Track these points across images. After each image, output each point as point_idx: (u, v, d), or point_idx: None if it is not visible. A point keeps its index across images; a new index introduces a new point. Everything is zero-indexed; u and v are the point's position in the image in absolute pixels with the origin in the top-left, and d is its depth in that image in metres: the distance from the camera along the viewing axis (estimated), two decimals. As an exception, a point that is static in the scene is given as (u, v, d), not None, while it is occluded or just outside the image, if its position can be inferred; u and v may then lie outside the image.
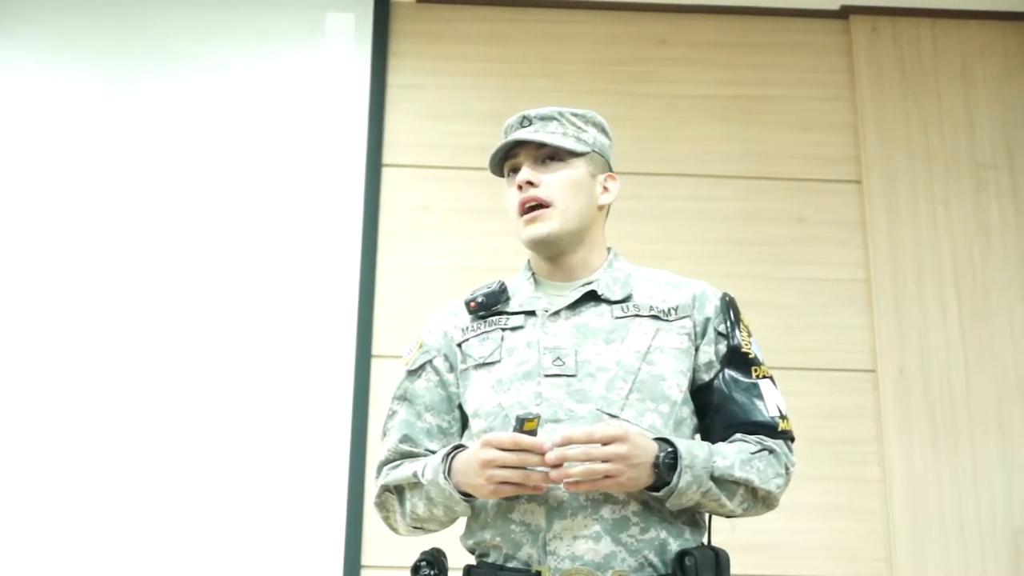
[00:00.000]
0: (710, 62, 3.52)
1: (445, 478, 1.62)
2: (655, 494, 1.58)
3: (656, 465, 1.56)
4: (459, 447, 1.66)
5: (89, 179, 3.30)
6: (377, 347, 3.18)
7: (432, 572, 1.67)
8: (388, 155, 3.38)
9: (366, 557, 3.02)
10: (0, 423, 3.08)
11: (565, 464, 1.51)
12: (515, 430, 1.52)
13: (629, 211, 3.27)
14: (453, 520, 1.71)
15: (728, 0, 3.53)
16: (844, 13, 3.55)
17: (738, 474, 1.62)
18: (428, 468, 1.66)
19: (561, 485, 1.56)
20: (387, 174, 3.37)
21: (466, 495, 1.62)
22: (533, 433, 1.52)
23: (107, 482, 3.04)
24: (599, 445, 1.51)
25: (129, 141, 3.34)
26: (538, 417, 1.53)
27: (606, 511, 1.59)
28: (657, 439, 1.59)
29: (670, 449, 1.57)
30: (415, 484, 1.69)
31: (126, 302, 3.19)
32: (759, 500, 1.67)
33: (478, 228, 3.27)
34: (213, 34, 3.46)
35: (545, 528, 1.60)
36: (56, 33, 3.44)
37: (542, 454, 1.51)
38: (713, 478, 1.59)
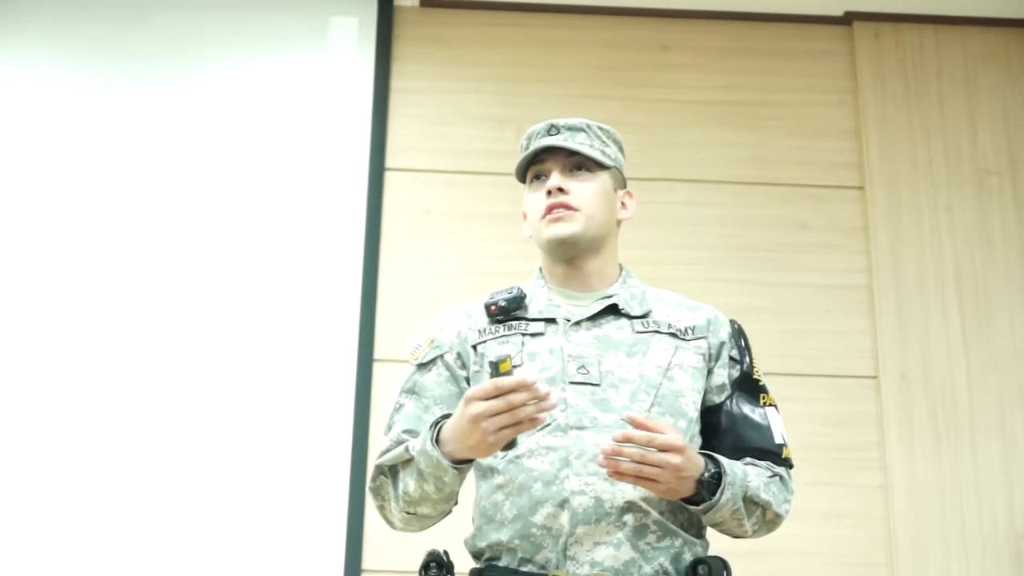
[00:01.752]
0: (712, 68, 3.52)
1: (433, 445, 1.58)
2: (694, 508, 1.61)
3: (700, 481, 1.58)
4: (446, 416, 1.63)
5: (91, 183, 3.30)
6: (379, 351, 3.18)
7: (442, 573, 1.67)
8: (391, 159, 3.38)
9: (367, 561, 3.02)
10: (0, 423, 3.09)
11: (615, 457, 1.52)
12: (492, 375, 1.50)
13: (631, 216, 3.27)
14: (444, 498, 1.65)
15: (731, 6, 3.53)
16: (847, 19, 3.55)
17: (762, 496, 1.66)
18: (418, 440, 1.63)
19: (584, 487, 1.60)
20: (390, 178, 3.37)
21: (458, 464, 1.58)
22: (509, 373, 1.50)
23: (109, 485, 3.04)
24: (655, 449, 1.52)
25: (131, 145, 3.34)
26: (509, 356, 1.51)
27: (629, 518, 1.61)
28: (701, 453, 1.62)
29: (714, 469, 1.60)
30: (407, 461, 1.66)
31: (128, 306, 3.19)
32: (767, 523, 1.71)
33: (480, 232, 3.28)
34: (216, 38, 3.47)
35: (567, 532, 1.60)
36: (58, 38, 3.44)
37: (527, 388, 1.48)
38: (744, 497, 1.63)
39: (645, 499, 1.62)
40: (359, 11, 3.48)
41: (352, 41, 3.47)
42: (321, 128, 3.38)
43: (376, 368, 3.16)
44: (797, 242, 3.36)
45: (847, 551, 3.10)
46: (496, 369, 1.49)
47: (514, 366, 1.68)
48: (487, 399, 1.48)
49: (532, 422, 1.50)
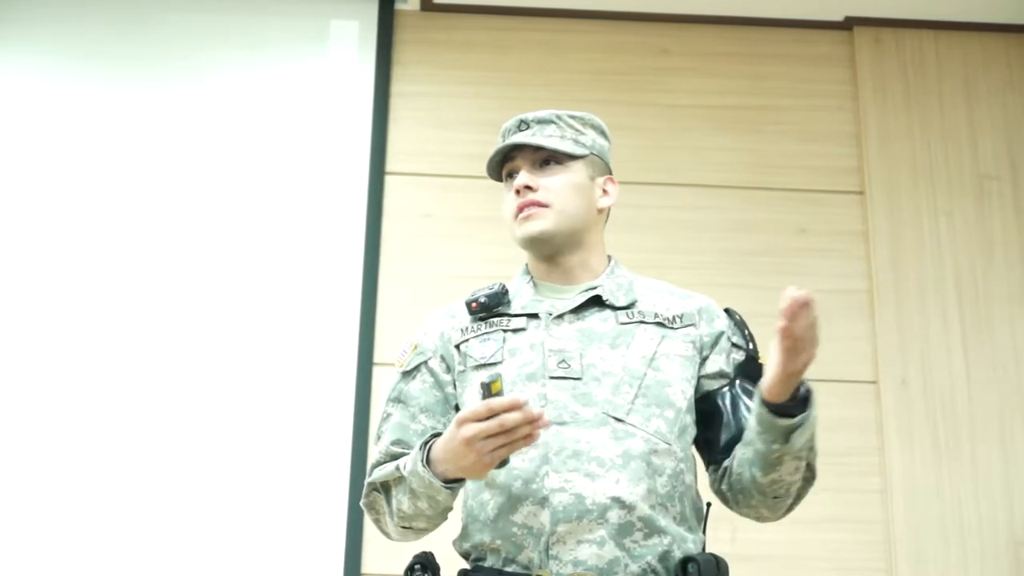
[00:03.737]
0: (712, 72, 3.52)
1: (424, 466, 1.57)
2: (786, 422, 1.53)
3: (797, 388, 1.52)
4: (436, 435, 1.61)
5: (91, 187, 3.30)
6: (379, 355, 3.18)
7: (426, 575, 1.66)
8: (391, 163, 3.39)
9: (366, 564, 3.02)
10: (0, 424, 3.09)
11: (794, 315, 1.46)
12: (484, 397, 1.48)
13: (630, 221, 3.27)
14: (439, 514, 1.65)
15: (731, 10, 3.53)
16: (848, 24, 3.55)
17: (815, 443, 1.61)
18: (408, 460, 1.62)
19: (564, 484, 1.57)
20: (390, 182, 3.37)
21: (450, 483, 1.57)
22: (500, 393, 1.48)
23: (110, 488, 3.04)
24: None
25: (132, 148, 3.34)
26: (500, 376, 1.49)
27: (612, 515, 1.57)
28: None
29: (808, 386, 1.54)
30: (399, 479, 1.64)
31: (130, 309, 3.19)
32: (803, 481, 1.64)
33: (481, 236, 3.28)
34: (217, 41, 3.47)
35: (548, 530, 1.58)
36: (60, 41, 3.44)
37: (519, 408, 1.45)
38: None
39: (629, 493, 1.58)
40: (360, 15, 3.49)
41: (352, 45, 3.48)
42: (321, 132, 3.39)
43: (376, 372, 3.16)
44: (797, 247, 3.36)
45: (846, 555, 3.09)
46: (488, 390, 1.47)
47: (496, 363, 1.69)
48: (479, 420, 1.46)
49: (526, 440, 1.48)
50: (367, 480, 1.73)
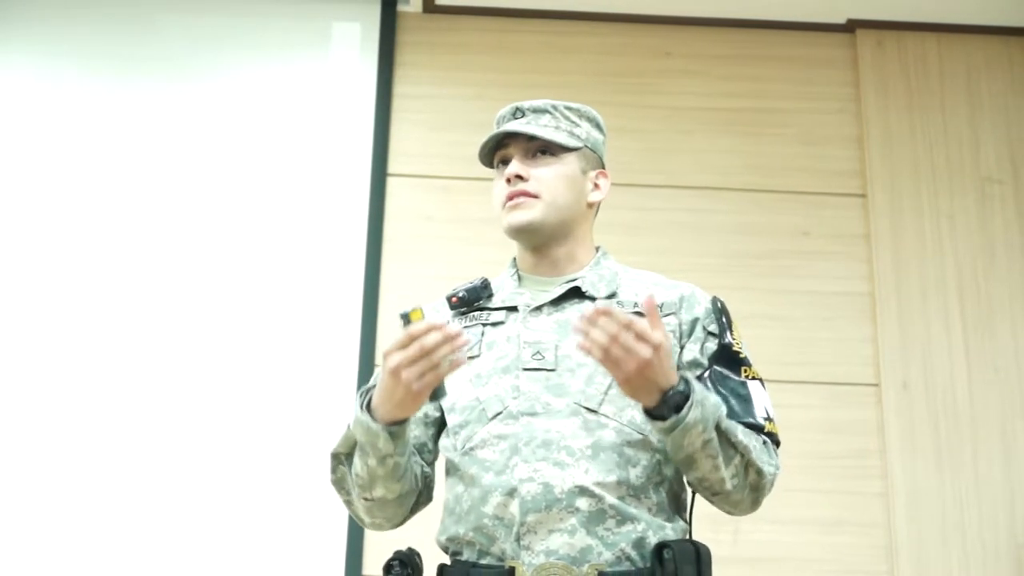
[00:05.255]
0: (714, 74, 3.52)
1: (362, 410, 1.57)
2: (660, 425, 1.51)
3: (665, 394, 1.49)
4: (374, 386, 1.60)
5: (93, 187, 3.30)
6: (380, 357, 3.16)
7: (405, 572, 1.65)
8: (393, 165, 3.39)
9: (367, 566, 3.02)
10: (1, 423, 3.09)
11: (588, 326, 1.45)
12: (404, 326, 1.49)
13: (632, 223, 3.28)
14: (390, 474, 1.60)
15: (733, 13, 3.54)
16: (850, 27, 3.55)
17: (740, 438, 1.56)
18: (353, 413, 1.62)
19: (532, 474, 1.56)
20: (392, 184, 3.37)
21: (392, 426, 1.55)
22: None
23: (111, 489, 3.04)
24: (631, 334, 1.44)
25: (134, 149, 3.35)
26: (420, 308, 1.50)
27: (582, 503, 1.56)
28: (679, 373, 1.52)
29: (682, 388, 1.50)
30: (351, 439, 1.63)
31: (132, 310, 3.19)
32: (748, 482, 1.61)
33: (482, 238, 3.27)
34: (218, 43, 3.47)
35: (519, 521, 1.57)
36: (63, 42, 3.45)
37: (437, 330, 1.46)
38: (718, 429, 1.53)
39: (599, 483, 1.57)
40: (362, 16, 3.49)
41: (355, 46, 3.48)
42: (323, 133, 3.39)
43: (378, 373, 3.16)
44: (799, 249, 3.37)
45: (848, 558, 3.09)
46: (407, 320, 1.50)
47: (473, 357, 1.69)
48: (402, 348, 1.48)
49: (451, 366, 1.48)
50: (331, 452, 1.69)
